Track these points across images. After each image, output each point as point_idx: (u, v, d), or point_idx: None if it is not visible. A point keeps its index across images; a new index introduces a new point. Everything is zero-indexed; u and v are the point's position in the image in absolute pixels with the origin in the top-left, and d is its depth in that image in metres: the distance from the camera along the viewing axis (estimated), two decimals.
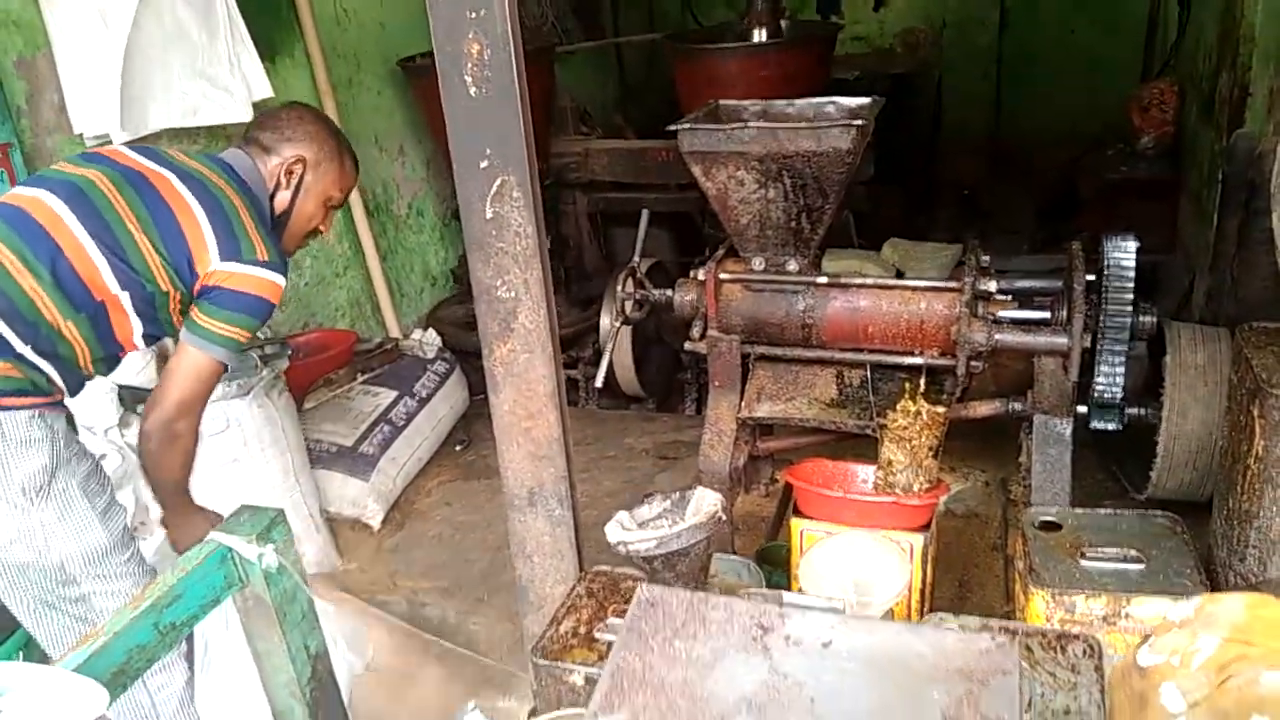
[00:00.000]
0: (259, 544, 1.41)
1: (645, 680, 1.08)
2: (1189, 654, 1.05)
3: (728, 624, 1.14)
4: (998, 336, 2.60)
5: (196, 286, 1.99)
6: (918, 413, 2.53)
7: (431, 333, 4.05)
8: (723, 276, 2.82)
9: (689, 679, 1.07)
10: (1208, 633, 1.05)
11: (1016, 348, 2.63)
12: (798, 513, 2.47)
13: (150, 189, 1.98)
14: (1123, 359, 2.64)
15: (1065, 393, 2.64)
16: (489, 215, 2.05)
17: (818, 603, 1.15)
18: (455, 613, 2.95)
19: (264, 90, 3.35)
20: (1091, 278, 2.61)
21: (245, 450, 2.91)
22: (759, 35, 4.33)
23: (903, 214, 5.06)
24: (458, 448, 3.92)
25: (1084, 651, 1.74)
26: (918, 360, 2.71)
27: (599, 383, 3.04)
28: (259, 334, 3.09)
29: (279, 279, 2.05)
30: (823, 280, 2.73)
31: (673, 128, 2.62)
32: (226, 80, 3.24)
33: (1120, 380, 2.66)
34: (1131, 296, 2.58)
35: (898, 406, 2.57)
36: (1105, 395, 2.67)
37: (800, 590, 2.25)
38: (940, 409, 2.55)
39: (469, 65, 1.92)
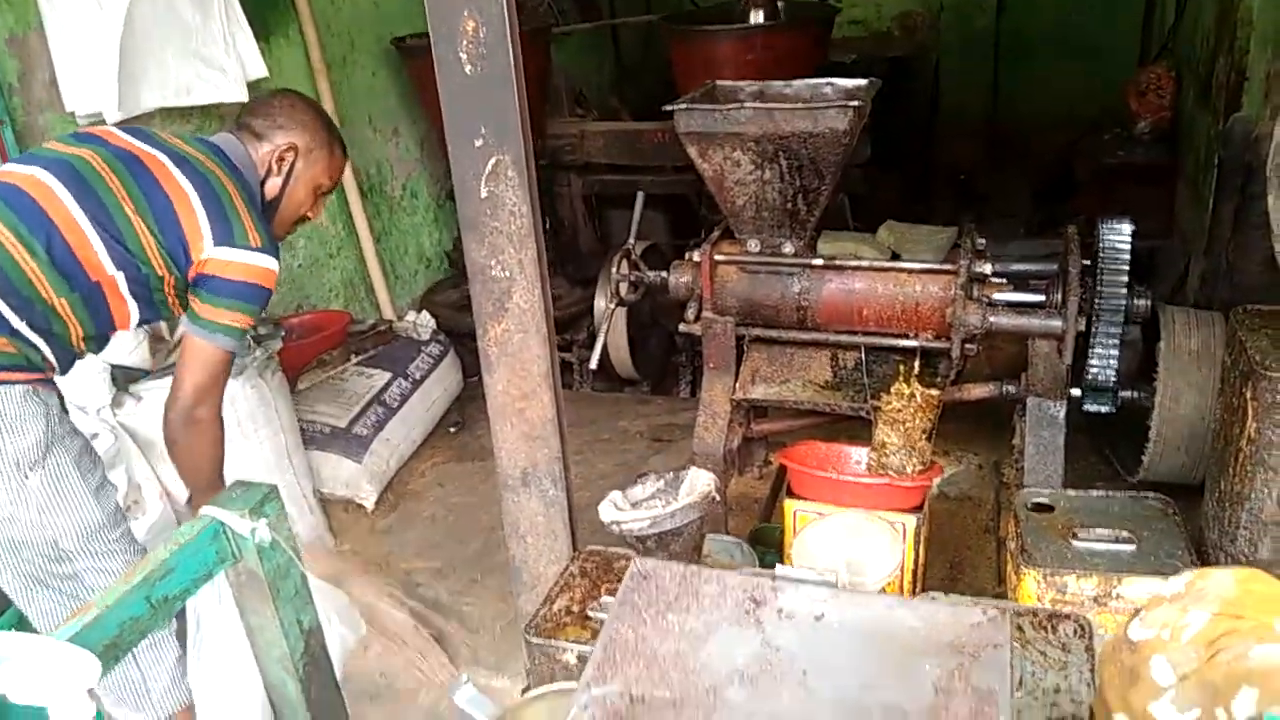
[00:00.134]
0: (252, 519, 1.41)
1: (638, 652, 1.08)
2: (1179, 628, 1.05)
3: (720, 597, 1.14)
4: (992, 319, 2.60)
5: (191, 273, 1.99)
6: (912, 395, 2.53)
7: (425, 315, 4.04)
8: (718, 258, 2.82)
9: (681, 651, 1.08)
10: (1198, 607, 1.06)
11: (1011, 330, 2.63)
12: (791, 494, 2.47)
13: (145, 171, 1.97)
14: (1117, 342, 2.65)
15: (1059, 375, 2.64)
16: (484, 194, 2.04)
17: (810, 576, 1.16)
18: (449, 593, 2.96)
19: (259, 70, 3.33)
20: (1087, 262, 2.61)
21: (239, 430, 2.90)
22: (756, 17, 4.32)
23: (899, 198, 5.05)
24: (451, 429, 3.92)
25: (1075, 631, 1.75)
26: (912, 343, 2.71)
27: (593, 364, 3.04)
28: None
29: (273, 264, 2.06)
30: (818, 262, 2.72)
31: (669, 108, 2.61)
32: (221, 59, 3.21)
33: (1114, 363, 2.66)
34: (1126, 279, 2.58)
35: (892, 389, 2.56)
36: (1099, 378, 2.68)
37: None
38: (934, 391, 2.55)
39: (464, 43, 1.91)
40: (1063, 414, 2.65)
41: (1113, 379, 2.70)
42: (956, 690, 1.00)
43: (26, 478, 1.81)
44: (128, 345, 2.84)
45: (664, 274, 2.97)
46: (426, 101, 4.32)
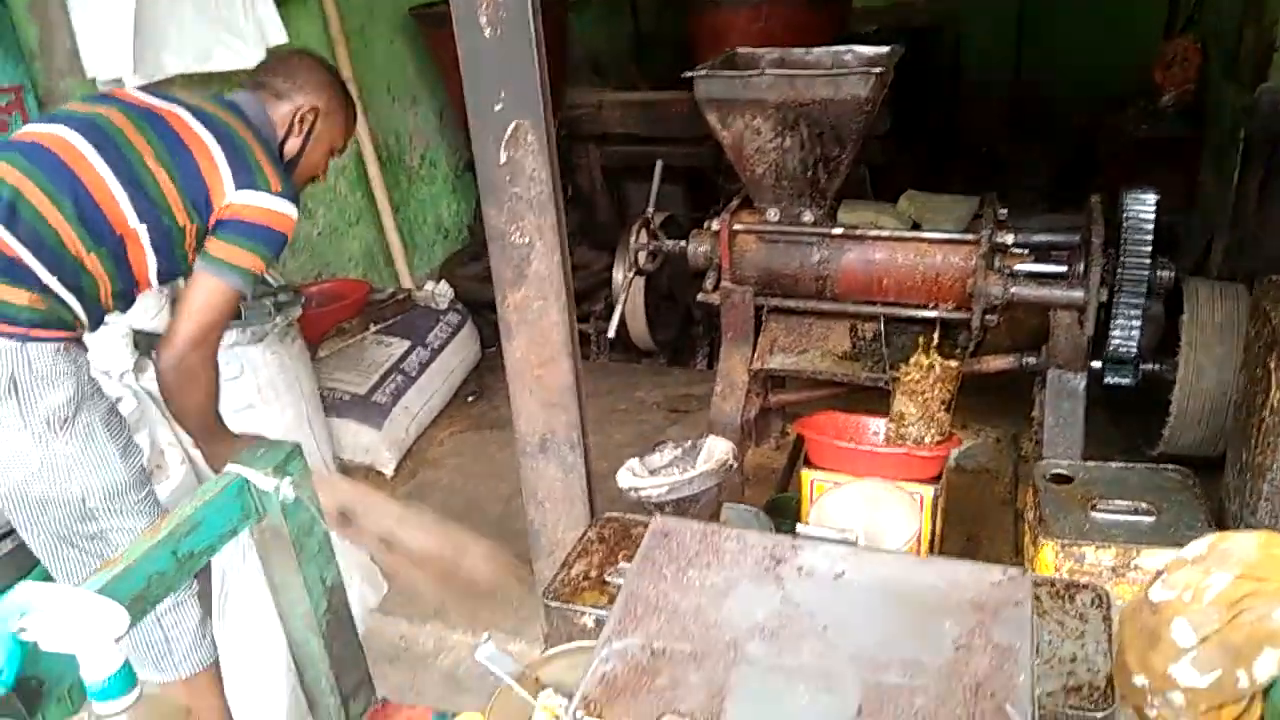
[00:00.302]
0: (276, 476, 1.43)
1: (659, 607, 1.09)
2: (1201, 589, 1.06)
3: (741, 555, 1.15)
4: (1014, 290, 2.59)
5: (212, 219, 2.00)
6: (931, 366, 2.52)
7: (444, 284, 4.05)
8: (737, 227, 2.81)
9: (702, 606, 1.09)
10: (1220, 569, 1.06)
11: (1032, 301, 2.62)
12: (809, 464, 2.48)
13: (164, 124, 1.99)
14: (1139, 314, 2.63)
15: (1080, 347, 2.63)
16: (503, 160, 2.04)
17: (831, 535, 1.16)
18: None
19: (279, 36, 3.32)
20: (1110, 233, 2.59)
21: (259, 396, 2.93)
22: None
23: (919, 170, 5.00)
24: (469, 399, 3.93)
25: (1092, 601, 1.75)
26: (932, 314, 2.70)
27: (611, 332, 3.05)
28: (272, 281, 3.11)
29: (292, 210, 2.06)
30: (838, 231, 2.71)
31: (689, 75, 2.59)
32: (241, 26, 3.21)
33: (1136, 335, 2.65)
34: (1150, 250, 2.56)
35: (911, 360, 2.56)
36: (1120, 350, 2.66)
37: None
38: (954, 363, 2.54)
39: (484, 5, 1.90)
40: (1083, 386, 2.64)
41: (1134, 351, 2.69)
42: (976, 647, 1.01)
43: (56, 435, 1.83)
44: (150, 310, 2.86)
45: (682, 243, 2.96)
46: (445, 71, 4.31)
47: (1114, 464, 2.35)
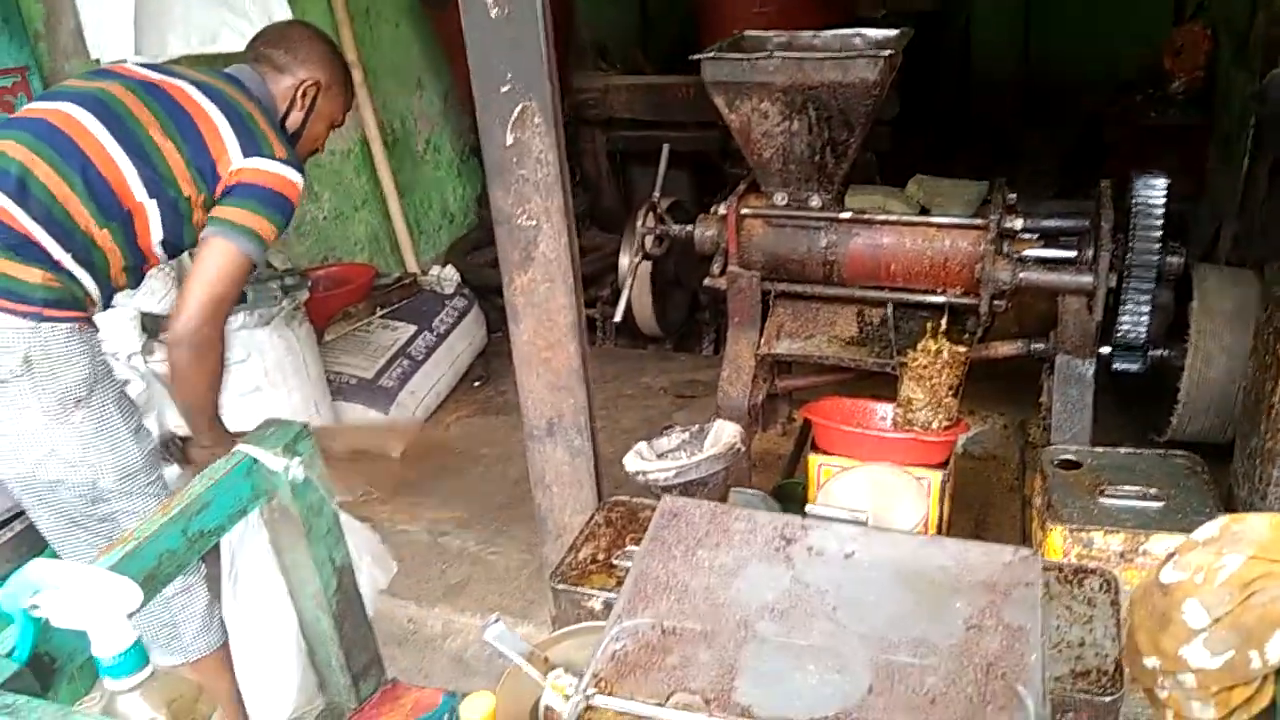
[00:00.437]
0: (285, 456, 1.43)
1: (669, 586, 1.09)
2: (1213, 571, 1.05)
3: (750, 535, 1.15)
4: (1022, 275, 2.58)
5: (219, 187, 1.99)
6: (939, 351, 2.52)
7: (450, 269, 4.05)
8: (744, 211, 2.80)
9: (712, 585, 1.09)
10: (1232, 551, 1.06)
11: (1041, 286, 2.61)
12: (816, 449, 2.47)
13: (168, 97, 2.00)
14: (1148, 299, 2.61)
15: (1088, 333, 2.62)
16: (509, 142, 2.03)
17: (841, 514, 1.16)
18: (475, 542, 2.99)
19: (284, 17, 3.31)
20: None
21: (266, 380, 2.93)
22: None
23: (927, 157, 4.98)
24: (476, 384, 3.94)
25: (1100, 586, 1.76)
26: (940, 299, 2.69)
27: (618, 317, 3.04)
28: (278, 265, 3.11)
29: (299, 178, 2.05)
30: (845, 216, 2.70)
31: (696, 58, 2.58)
32: (246, 7, 3.20)
33: (1145, 321, 2.63)
34: (1160, 235, 2.54)
35: (918, 345, 2.55)
36: (1129, 336, 2.65)
37: None
38: (961, 348, 2.53)
39: None
40: (1091, 372, 2.63)
41: (1143, 337, 2.67)
42: (987, 627, 1.00)
43: (70, 415, 1.84)
44: (157, 293, 2.86)
45: (689, 227, 2.95)
46: (451, 54, 4.30)
47: (1122, 449, 2.34)
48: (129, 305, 2.72)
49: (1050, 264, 2.61)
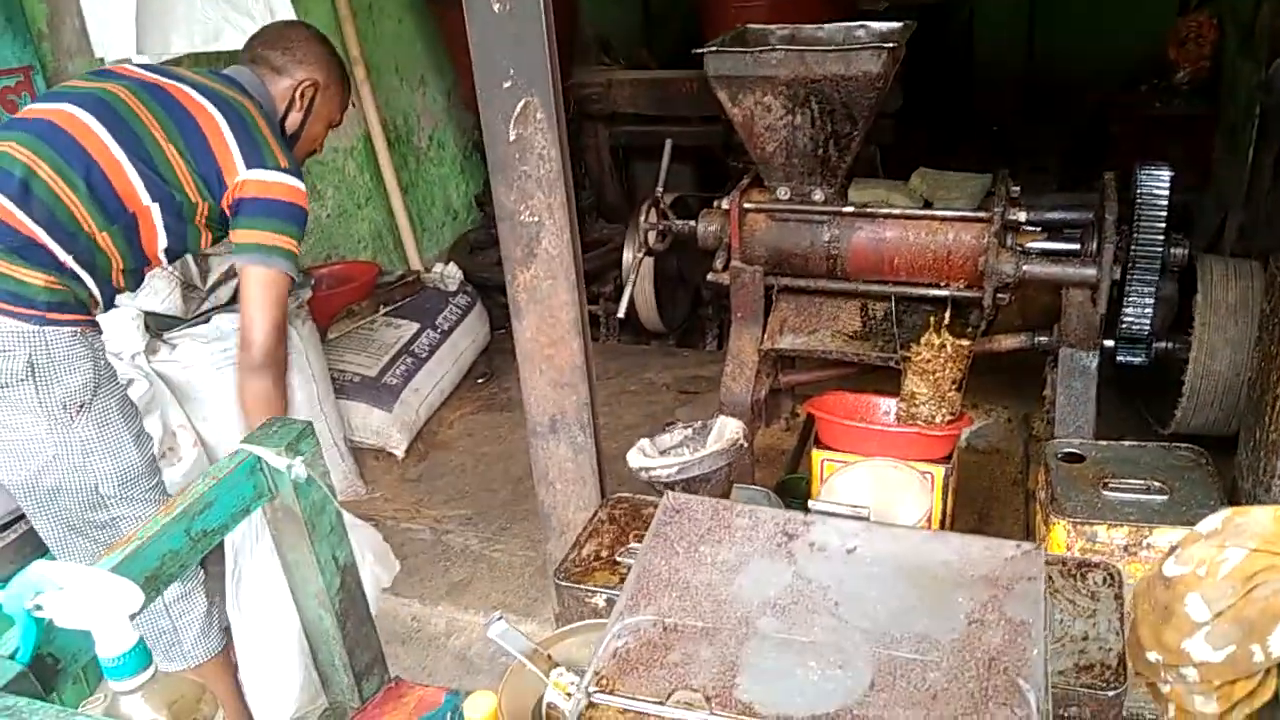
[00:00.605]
0: (288, 455, 1.43)
1: (671, 582, 1.09)
2: (1215, 564, 1.05)
3: (753, 530, 1.15)
4: (1026, 268, 2.57)
5: (227, 199, 1.99)
6: (942, 345, 2.51)
7: (453, 266, 4.05)
8: (747, 206, 2.79)
9: (714, 582, 1.08)
10: (1235, 544, 1.05)
11: (1045, 279, 2.60)
12: (819, 444, 2.47)
13: (172, 100, 1.99)
14: (1152, 291, 2.60)
15: (1092, 325, 2.61)
16: (512, 138, 2.03)
17: (843, 510, 1.16)
18: (478, 539, 3.00)
19: (287, 14, 3.31)
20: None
21: None
22: None
23: (930, 150, 4.96)
24: (479, 380, 3.94)
25: (1104, 580, 1.75)
26: (943, 292, 2.68)
27: (621, 312, 3.04)
28: None
29: (302, 185, 2.07)
30: (849, 210, 2.69)
31: (699, 51, 2.57)
32: (249, 4, 3.19)
33: (1149, 313, 2.62)
34: (1164, 227, 2.53)
35: (922, 339, 2.54)
36: (1133, 328, 2.64)
37: None
38: (965, 342, 2.53)
39: None
40: (1095, 364, 2.62)
41: (1147, 329, 2.67)
42: (989, 621, 1.00)
43: (73, 419, 1.83)
44: (160, 293, 2.86)
45: (692, 222, 2.95)
46: (453, 50, 4.29)
47: (1126, 442, 2.34)
48: (132, 305, 2.72)
49: (1054, 256, 2.60)
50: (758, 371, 2.88)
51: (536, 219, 2.09)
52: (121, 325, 2.66)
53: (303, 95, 2.20)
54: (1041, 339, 2.72)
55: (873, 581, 1.07)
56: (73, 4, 2.89)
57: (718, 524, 1.17)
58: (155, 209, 1.94)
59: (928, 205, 2.69)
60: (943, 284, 2.69)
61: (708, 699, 0.95)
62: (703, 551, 1.13)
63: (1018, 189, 2.70)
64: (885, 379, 2.74)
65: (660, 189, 3.03)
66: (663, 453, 2.38)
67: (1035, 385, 2.98)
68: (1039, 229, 2.65)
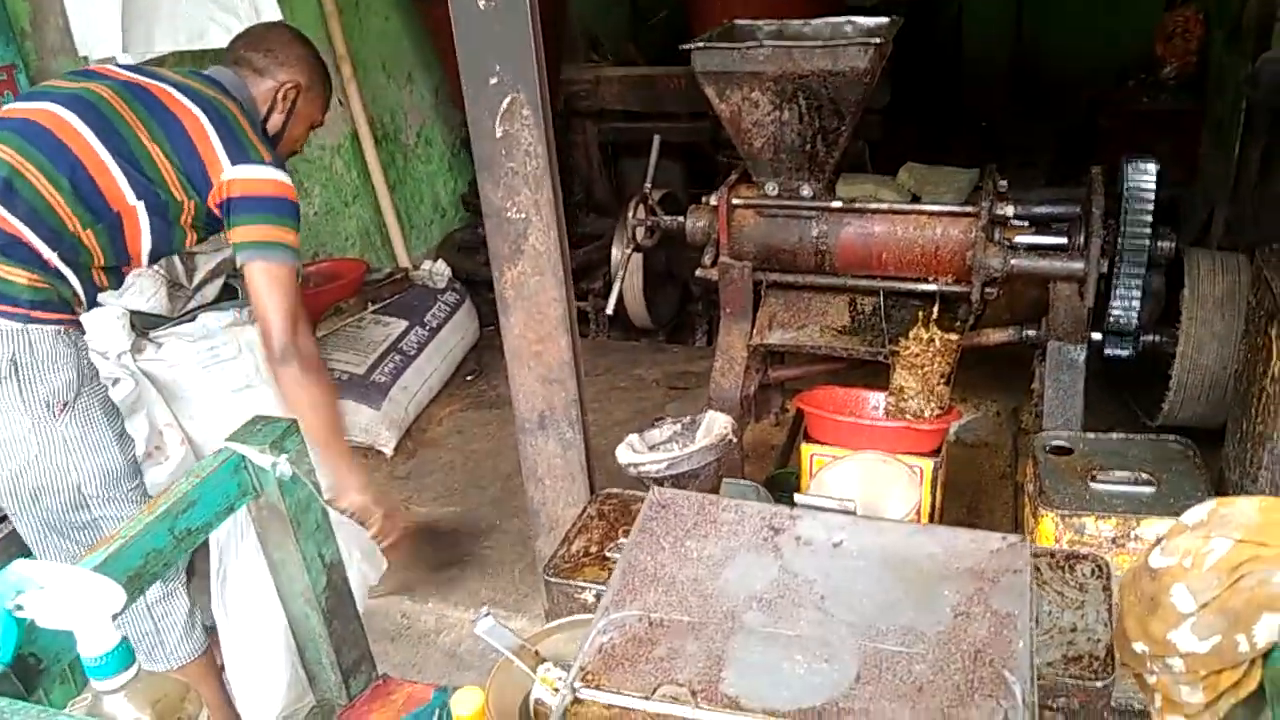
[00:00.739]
0: (273, 453, 1.42)
1: (656, 578, 1.09)
2: (1201, 555, 1.05)
3: (739, 525, 1.14)
4: (1014, 262, 2.57)
5: (213, 197, 1.99)
6: (930, 340, 2.51)
7: (441, 263, 4.04)
8: (735, 202, 2.79)
9: (700, 577, 1.08)
10: (1221, 534, 1.05)
11: (1032, 273, 2.60)
12: (808, 439, 2.47)
13: (155, 100, 1.99)
14: (1140, 285, 2.61)
15: (1080, 319, 2.61)
16: (499, 134, 2.02)
17: (829, 504, 1.15)
18: (467, 537, 2.99)
19: (272, 13, 3.29)
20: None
21: (258, 376, 2.91)
22: None
23: (919, 146, 4.97)
24: (468, 378, 3.93)
25: (1092, 571, 1.75)
26: (931, 287, 2.69)
27: (610, 310, 3.03)
28: None
29: (288, 179, 2.07)
30: (837, 205, 2.69)
31: (686, 47, 2.56)
32: (235, 2, 3.18)
33: (1136, 307, 2.63)
34: (1150, 220, 2.54)
35: (910, 333, 2.55)
36: (1120, 321, 2.65)
37: None
38: (953, 336, 2.53)
39: None
40: (1083, 357, 2.63)
41: (1134, 323, 2.67)
42: (975, 614, 1.00)
43: (56, 418, 1.83)
44: (146, 291, 2.85)
45: (680, 218, 2.94)
46: (440, 47, 4.28)
47: (1114, 435, 2.34)
48: (117, 304, 2.71)
49: (1041, 250, 2.60)
50: (747, 367, 2.88)
51: (524, 215, 2.09)
52: (107, 324, 2.64)
53: (284, 97, 2.20)
54: (1029, 333, 2.73)
55: (859, 575, 1.06)
56: (56, 3, 2.87)
57: (704, 519, 1.17)
58: (140, 208, 1.93)
59: (916, 200, 2.69)
60: (931, 279, 2.69)
61: (693, 693, 0.95)
62: (689, 546, 1.12)
63: (1005, 184, 2.70)
64: (874, 374, 2.74)
65: (648, 185, 3.02)
66: (652, 448, 2.38)
67: (1024, 379, 2.98)
68: (1027, 223, 2.65)
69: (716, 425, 2.34)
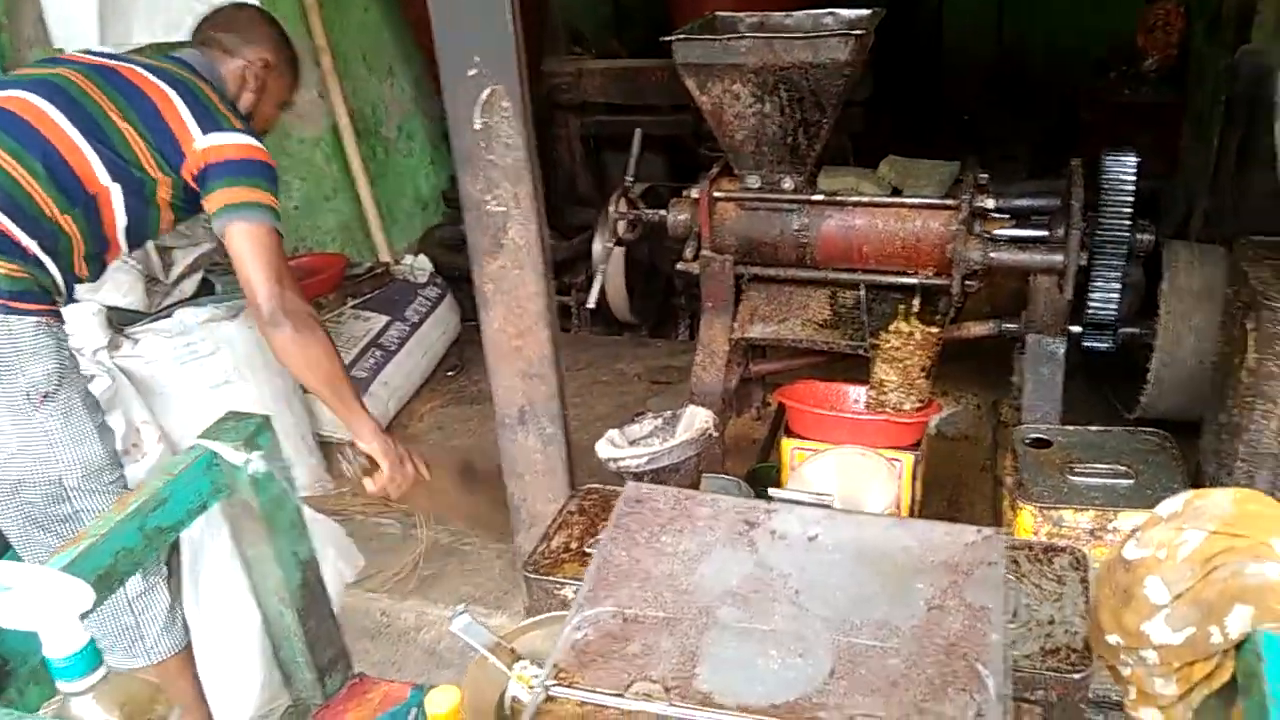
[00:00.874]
0: (245, 450, 1.40)
1: (631, 573, 1.08)
2: (1175, 546, 1.05)
3: (714, 520, 1.14)
4: (994, 255, 2.58)
5: (187, 169, 1.99)
6: (911, 333, 2.52)
7: (423, 258, 4.02)
8: (716, 195, 2.78)
9: (675, 572, 1.08)
10: (1194, 526, 1.05)
11: (1012, 266, 2.61)
12: (789, 433, 2.47)
13: (123, 80, 2.00)
14: (1119, 277, 2.62)
15: (1060, 311, 2.62)
16: (477, 126, 2.01)
17: (805, 498, 1.15)
18: (448, 533, 2.97)
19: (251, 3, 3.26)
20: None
21: (236, 373, 2.90)
22: None
23: (902, 138, 4.97)
24: (450, 373, 3.91)
25: (1070, 563, 1.76)
26: (912, 280, 2.69)
27: (591, 303, 3.02)
28: None
29: (262, 145, 2.07)
30: (818, 198, 2.69)
31: (667, 39, 2.55)
32: None
33: (1115, 299, 2.64)
34: (1130, 213, 2.55)
35: (891, 327, 2.55)
36: (1100, 314, 2.66)
37: None
38: (933, 329, 2.54)
39: None
40: (1062, 350, 2.64)
41: (1113, 315, 2.68)
42: (949, 607, 1.00)
43: (37, 409, 1.82)
44: (122, 287, 2.82)
45: (662, 212, 2.94)
46: (420, 39, 4.25)
47: (1092, 428, 2.35)
48: (94, 300, 2.68)
49: (1021, 243, 2.61)
50: (729, 361, 2.87)
51: (503, 209, 2.08)
52: (83, 320, 2.62)
53: (255, 75, 2.21)
54: (1009, 326, 2.74)
55: (833, 569, 1.06)
56: None
57: (679, 514, 1.16)
58: (116, 189, 1.93)
59: (897, 193, 2.69)
60: (911, 271, 2.69)
61: (667, 690, 0.94)
62: (664, 541, 1.12)
63: (985, 176, 2.71)
64: (856, 366, 2.74)
65: (630, 178, 3.01)
66: (632, 443, 2.37)
67: (1005, 372, 2.99)
68: (1007, 216, 2.66)
69: (697, 420, 2.33)
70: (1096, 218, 2.59)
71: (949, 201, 2.60)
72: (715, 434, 2.37)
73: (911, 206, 2.64)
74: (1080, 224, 2.49)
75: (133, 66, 2.03)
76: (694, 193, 2.81)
